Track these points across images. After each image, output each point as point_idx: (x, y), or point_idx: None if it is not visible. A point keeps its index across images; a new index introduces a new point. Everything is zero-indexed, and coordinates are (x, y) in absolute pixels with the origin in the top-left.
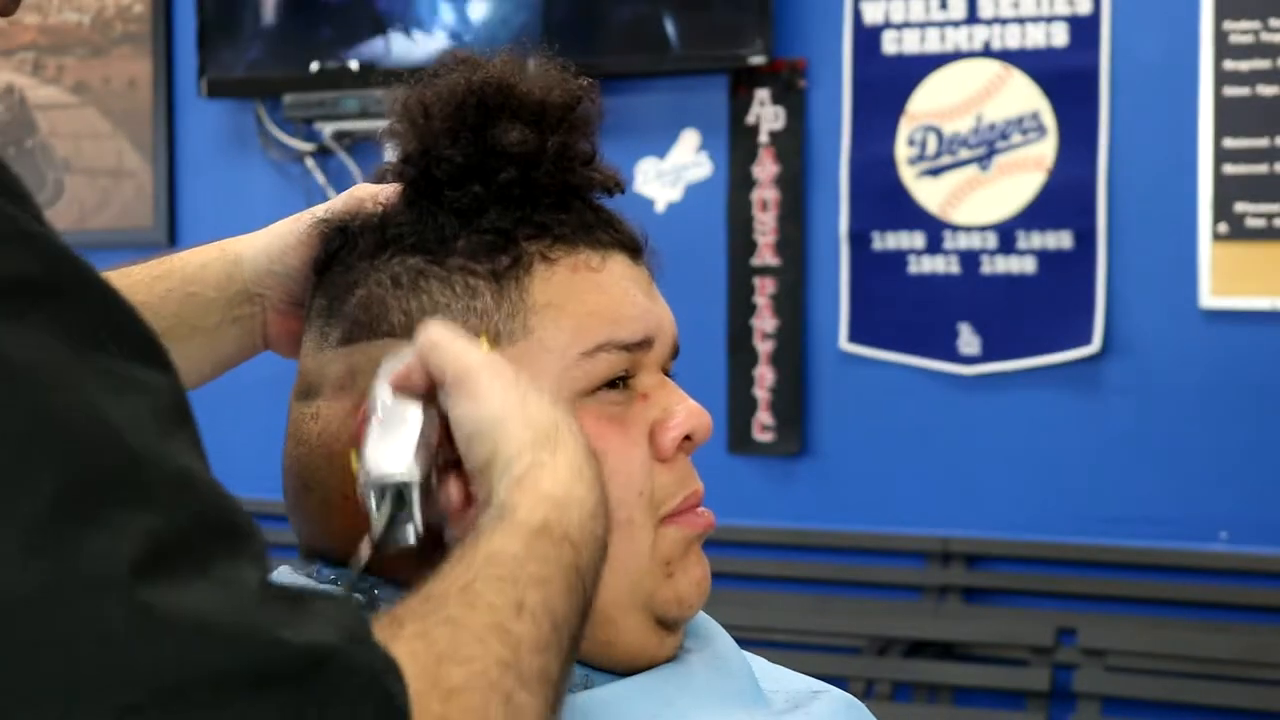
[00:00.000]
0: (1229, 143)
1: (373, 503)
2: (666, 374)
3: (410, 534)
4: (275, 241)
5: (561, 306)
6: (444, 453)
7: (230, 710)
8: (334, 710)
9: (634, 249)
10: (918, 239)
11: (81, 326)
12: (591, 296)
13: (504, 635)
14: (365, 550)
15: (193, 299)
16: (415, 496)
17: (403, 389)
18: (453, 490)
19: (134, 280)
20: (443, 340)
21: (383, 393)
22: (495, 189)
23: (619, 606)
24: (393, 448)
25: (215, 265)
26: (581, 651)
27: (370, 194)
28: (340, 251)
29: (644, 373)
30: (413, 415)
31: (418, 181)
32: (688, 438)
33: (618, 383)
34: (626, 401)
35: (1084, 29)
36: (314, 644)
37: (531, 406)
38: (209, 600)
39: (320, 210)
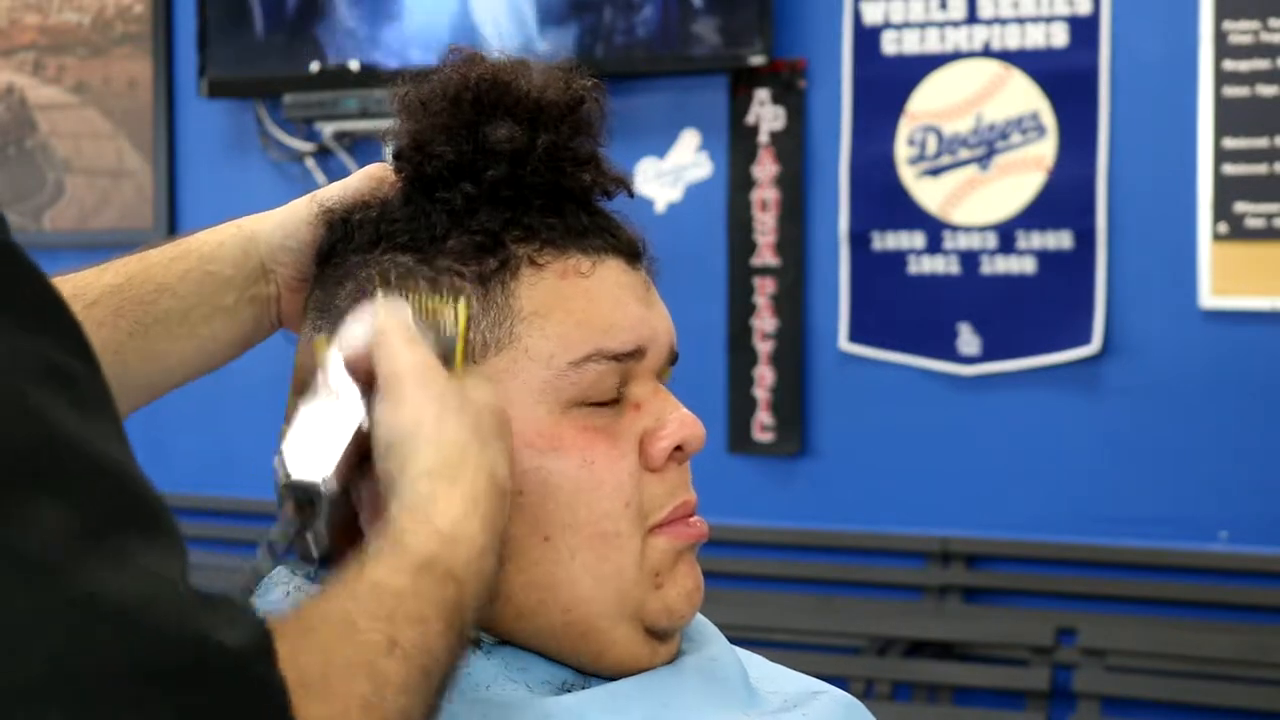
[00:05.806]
0: (1229, 143)
1: (285, 504)
2: (664, 380)
3: (310, 546)
4: (290, 218)
5: (548, 314)
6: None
7: (150, 700)
8: (235, 715)
9: (631, 254)
10: (918, 239)
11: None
12: (580, 304)
13: (372, 673)
14: (264, 558)
15: (211, 278)
16: (324, 509)
17: (352, 369)
18: (368, 501)
19: (151, 263)
20: (389, 331)
21: (335, 363)
22: (486, 188)
23: (607, 618)
24: (320, 446)
25: (231, 244)
26: (574, 660)
27: (384, 176)
28: (339, 243)
29: (636, 381)
30: (350, 407)
31: (413, 177)
32: (679, 448)
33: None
34: (617, 411)
35: (1084, 29)
36: (231, 646)
37: (447, 428)
38: (133, 589)
39: (336, 189)
